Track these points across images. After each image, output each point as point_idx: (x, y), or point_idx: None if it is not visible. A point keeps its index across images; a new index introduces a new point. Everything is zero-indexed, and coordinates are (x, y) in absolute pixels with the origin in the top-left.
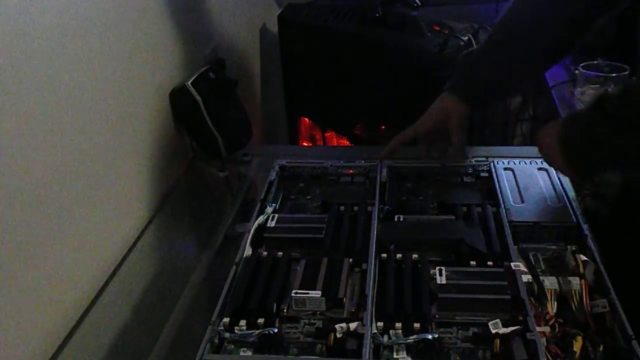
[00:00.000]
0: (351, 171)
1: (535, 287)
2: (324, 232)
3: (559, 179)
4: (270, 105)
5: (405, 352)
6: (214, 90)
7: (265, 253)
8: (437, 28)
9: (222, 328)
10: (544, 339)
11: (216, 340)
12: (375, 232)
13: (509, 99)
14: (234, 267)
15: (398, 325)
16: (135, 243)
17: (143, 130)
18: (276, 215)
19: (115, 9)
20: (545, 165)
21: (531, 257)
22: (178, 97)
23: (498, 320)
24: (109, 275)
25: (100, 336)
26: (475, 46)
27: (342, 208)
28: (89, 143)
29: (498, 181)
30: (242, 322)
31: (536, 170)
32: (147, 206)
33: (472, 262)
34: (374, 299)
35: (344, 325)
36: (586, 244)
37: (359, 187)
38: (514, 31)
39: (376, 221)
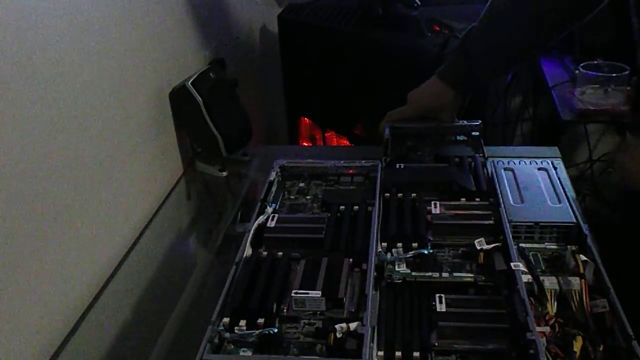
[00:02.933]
0: (351, 171)
1: (535, 287)
2: (324, 232)
3: (558, 179)
4: (270, 105)
5: (405, 266)
6: (214, 90)
7: (265, 253)
8: (437, 28)
9: (222, 328)
10: (544, 339)
11: (216, 340)
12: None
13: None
14: (234, 267)
15: (399, 244)
16: (135, 243)
17: (143, 130)
18: (276, 215)
19: (115, 9)
20: (545, 165)
21: (531, 257)
22: (178, 97)
23: (482, 239)
24: (109, 275)
25: (100, 336)
26: None
27: (342, 208)
28: (88, 143)
29: (498, 181)
30: (242, 322)
31: (536, 170)
32: (147, 206)
33: (463, 199)
34: (379, 227)
35: (344, 325)
36: (586, 244)
37: (359, 187)
38: (497, 16)
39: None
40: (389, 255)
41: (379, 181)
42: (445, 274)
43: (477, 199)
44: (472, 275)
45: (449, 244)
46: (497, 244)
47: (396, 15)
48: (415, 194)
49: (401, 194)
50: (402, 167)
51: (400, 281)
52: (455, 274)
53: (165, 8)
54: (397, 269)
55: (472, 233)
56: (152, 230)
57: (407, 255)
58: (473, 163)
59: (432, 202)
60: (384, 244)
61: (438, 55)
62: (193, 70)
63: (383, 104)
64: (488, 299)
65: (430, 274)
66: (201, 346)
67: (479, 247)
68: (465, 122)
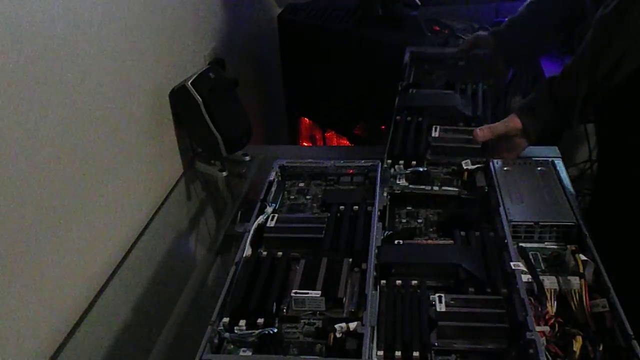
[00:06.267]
0: (351, 171)
1: (535, 286)
2: (324, 232)
3: (558, 179)
4: (270, 105)
5: (404, 180)
6: (214, 90)
7: (265, 253)
8: (437, 28)
9: (222, 328)
10: (544, 338)
11: (216, 340)
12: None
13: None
14: (234, 267)
15: (401, 162)
16: (135, 243)
17: (143, 130)
18: (276, 215)
19: (115, 10)
20: (545, 165)
21: (531, 257)
22: (178, 97)
23: (468, 160)
24: (109, 275)
25: (100, 336)
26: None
27: (342, 208)
28: (88, 143)
29: (498, 181)
30: (242, 322)
31: (536, 170)
32: (147, 206)
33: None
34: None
35: (343, 325)
36: (586, 244)
37: (359, 187)
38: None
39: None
40: (392, 170)
41: (378, 180)
42: (435, 187)
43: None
44: (457, 189)
45: (444, 163)
46: (481, 165)
47: (396, 15)
48: (421, 118)
49: (410, 118)
50: (414, 92)
51: (399, 192)
52: (444, 188)
53: (166, 8)
54: (397, 182)
55: (462, 154)
56: (152, 230)
57: (407, 171)
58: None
59: (434, 127)
60: (389, 161)
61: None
62: (193, 70)
63: (383, 104)
64: (487, 298)
65: (423, 187)
66: (201, 346)
67: (465, 167)
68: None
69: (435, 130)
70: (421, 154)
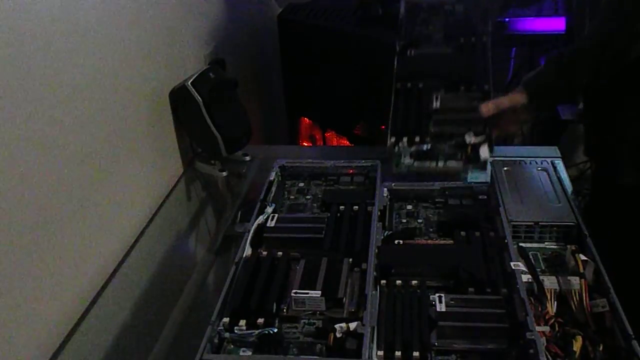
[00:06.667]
0: (351, 171)
1: (535, 286)
2: (324, 232)
3: (558, 179)
4: (270, 105)
5: (409, 157)
6: (214, 90)
7: (265, 253)
8: None
9: (222, 328)
10: (544, 338)
11: (216, 340)
12: (375, 231)
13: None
14: (234, 267)
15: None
16: (135, 243)
17: (143, 130)
18: (276, 215)
19: (115, 10)
20: (545, 165)
21: (531, 256)
22: (178, 97)
23: (471, 132)
24: (109, 275)
25: (100, 336)
26: None
27: (342, 208)
28: (88, 143)
29: (498, 181)
30: (242, 322)
31: (536, 170)
32: (147, 206)
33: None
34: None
35: (343, 325)
36: (586, 244)
37: (359, 187)
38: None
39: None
40: (396, 148)
41: (378, 179)
42: (440, 164)
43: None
44: (461, 164)
45: (448, 135)
46: (483, 139)
47: (396, 15)
48: (422, 84)
49: (410, 84)
50: (412, 53)
51: (405, 171)
52: (448, 163)
53: (166, 8)
54: (403, 160)
55: (464, 125)
56: (152, 230)
57: (412, 149)
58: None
59: (434, 96)
60: (393, 139)
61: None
62: (193, 70)
63: (383, 104)
64: (487, 298)
65: (428, 163)
66: (201, 346)
67: (468, 141)
68: None
69: (437, 100)
70: (424, 127)
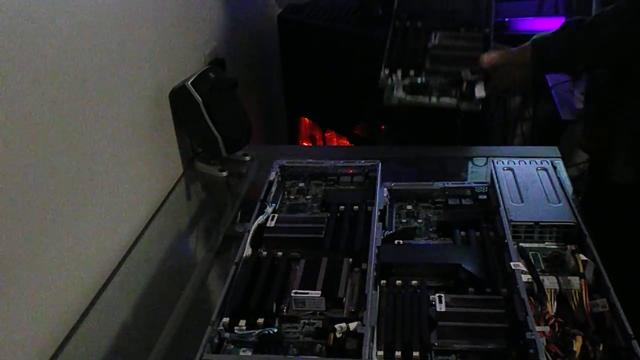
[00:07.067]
0: (351, 171)
1: (535, 286)
2: (324, 232)
3: (558, 179)
4: (270, 105)
5: (402, 90)
6: (214, 90)
7: (265, 253)
8: None
9: (222, 328)
10: (544, 338)
11: (216, 340)
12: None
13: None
14: (234, 267)
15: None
16: (135, 243)
17: (143, 130)
18: (276, 215)
19: (114, 10)
20: (545, 165)
21: (531, 257)
22: (178, 97)
23: (468, 69)
24: (109, 275)
25: (100, 336)
26: None
27: (342, 208)
28: (88, 143)
29: (498, 181)
30: (242, 322)
31: (536, 170)
32: (147, 206)
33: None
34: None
35: (343, 325)
36: (586, 244)
37: (359, 187)
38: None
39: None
40: (389, 80)
41: (378, 179)
42: (433, 99)
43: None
44: (455, 100)
45: (443, 72)
46: (480, 75)
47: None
48: (421, 23)
49: (409, 23)
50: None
51: (396, 102)
52: (442, 99)
53: (165, 8)
54: (395, 93)
55: (461, 63)
56: (152, 230)
57: (405, 82)
58: None
59: (433, 34)
60: (387, 70)
61: None
62: (193, 70)
63: (383, 104)
64: (487, 298)
65: (421, 97)
66: (201, 346)
67: (464, 77)
68: None
69: (435, 37)
70: (420, 62)
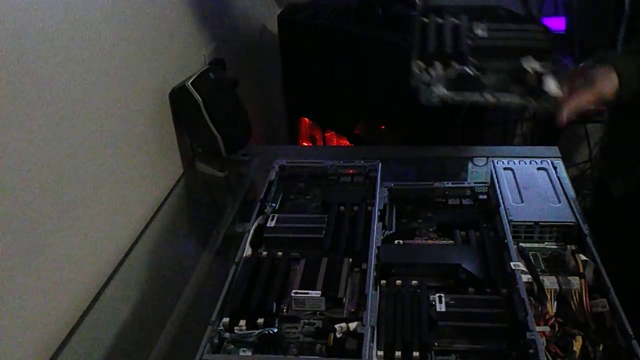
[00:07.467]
0: (351, 171)
1: (535, 286)
2: (324, 232)
3: (558, 179)
4: (270, 105)
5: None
6: (214, 90)
7: (265, 253)
8: None
9: (222, 328)
10: (544, 338)
11: (216, 340)
12: (375, 231)
13: None
14: (234, 267)
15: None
16: (135, 243)
17: (143, 130)
18: (276, 215)
19: (115, 9)
20: (545, 165)
21: (531, 257)
22: (178, 97)
23: (530, 57)
24: (109, 275)
25: (100, 336)
26: None
27: (342, 208)
28: (88, 143)
29: (498, 181)
30: (242, 322)
31: (536, 170)
32: (147, 206)
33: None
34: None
35: (343, 325)
36: (586, 244)
37: (359, 187)
38: None
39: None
40: (425, 74)
41: (378, 179)
42: (488, 95)
43: None
44: (519, 97)
45: (495, 67)
46: (546, 64)
47: (396, 15)
48: (459, 20)
49: (441, 19)
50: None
51: (438, 101)
52: (500, 96)
53: (165, 8)
54: (434, 90)
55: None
56: (152, 230)
57: (450, 75)
58: None
59: (477, 24)
60: (420, 63)
61: None
62: (193, 70)
63: (383, 104)
64: (487, 298)
65: (473, 94)
66: (201, 346)
67: (526, 67)
68: None
69: (481, 29)
70: (464, 49)
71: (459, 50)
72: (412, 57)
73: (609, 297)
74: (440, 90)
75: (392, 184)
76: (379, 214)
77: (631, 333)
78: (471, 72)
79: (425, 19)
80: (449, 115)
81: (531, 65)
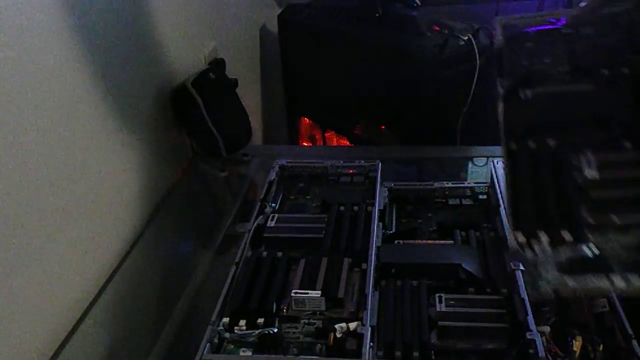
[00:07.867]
0: (351, 171)
1: None
2: (323, 232)
3: None
4: (270, 105)
5: (556, 269)
6: (214, 90)
7: (265, 253)
8: (437, 28)
9: (222, 328)
10: (544, 338)
11: (216, 340)
12: (375, 231)
13: None
14: (234, 267)
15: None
16: (135, 243)
17: (143, 130)
18: (276, 215)
19: (115, 9)
20: None
21: None
22: (178, 97)
23: None
24: (109, 275)
25: (100, 336)
26: (475, 46)
27: (342, 208)
28: (88, 142)
29: (498, 181)
30: (242, 322)
31: None
32: (147, 206)
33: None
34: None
35: (343, 325)
36: None
37: (359, 187)
38: None
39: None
40: (528, 252)
41: (378, 179)
42: (617, 280)
43: None
44: None
45: (621, 224)
46: None
47: (396, 15)
48: (555, 142)
49: (534, 142)
50: (528, 95)
51: (549, 292)
52: (632, 279)
53: (165, 8)
54: (546, 276)
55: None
56: (152, 230)
57: (562, 257)
58: None
59: (583, 158)
60: (519, 234)
61: (438, 56)
62: (193, 70)
63: (383, 104)
64: (487, 298)
65: (594, 279)
66: (201, 346)
67: None
68: None
69: (590, 165)
70: (575, 213)
71: (568, 212)
72: (509, 223)
73: (609, 297)
74: (554, 276)
75: (392, 184)
76: (379, 214)
77: (631, 333)
78: (592, 254)
79: (513, 145)
80: (449, 115)
81: None
